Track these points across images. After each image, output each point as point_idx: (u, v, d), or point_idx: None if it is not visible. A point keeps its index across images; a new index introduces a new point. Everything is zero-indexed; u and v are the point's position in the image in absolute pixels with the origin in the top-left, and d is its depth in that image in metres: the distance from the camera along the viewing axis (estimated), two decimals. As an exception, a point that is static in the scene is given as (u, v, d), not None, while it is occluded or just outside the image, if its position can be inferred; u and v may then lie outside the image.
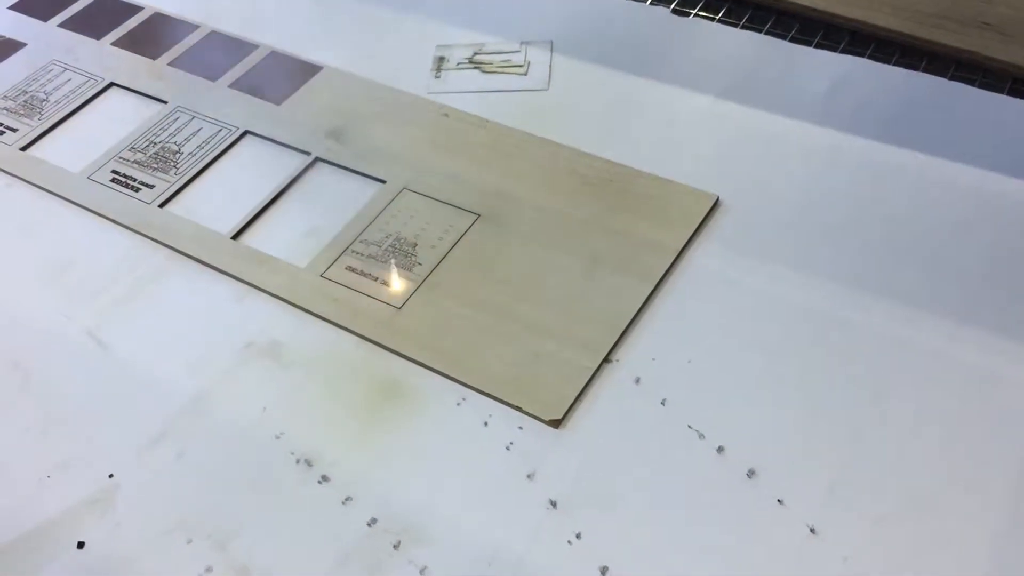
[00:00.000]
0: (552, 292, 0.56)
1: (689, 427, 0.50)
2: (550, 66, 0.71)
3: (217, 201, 0.64)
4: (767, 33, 0.73)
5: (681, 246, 0.58)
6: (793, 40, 0.72)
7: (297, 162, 0.66)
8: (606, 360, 0.53)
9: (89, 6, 0.81)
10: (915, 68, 0.69)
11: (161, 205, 0.64)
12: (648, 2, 0.76)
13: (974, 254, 0.56)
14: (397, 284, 0.57)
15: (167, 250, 0.61)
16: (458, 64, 0.72)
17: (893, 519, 0.45)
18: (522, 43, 0.73)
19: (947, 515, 0.45)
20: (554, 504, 0.47)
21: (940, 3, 0.70)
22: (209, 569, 0.46)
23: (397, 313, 0.56)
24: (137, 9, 0.80)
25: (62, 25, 0.79)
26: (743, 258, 0.57)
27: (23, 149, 0.69)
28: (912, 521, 0.45)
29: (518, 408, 0.51)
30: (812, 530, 0.45)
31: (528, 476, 0.49)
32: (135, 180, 0.65)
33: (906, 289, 0.55)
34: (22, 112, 0.71)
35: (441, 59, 0.73)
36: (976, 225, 0.58)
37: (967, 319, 0.53)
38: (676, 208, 0.60)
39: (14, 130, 0.70)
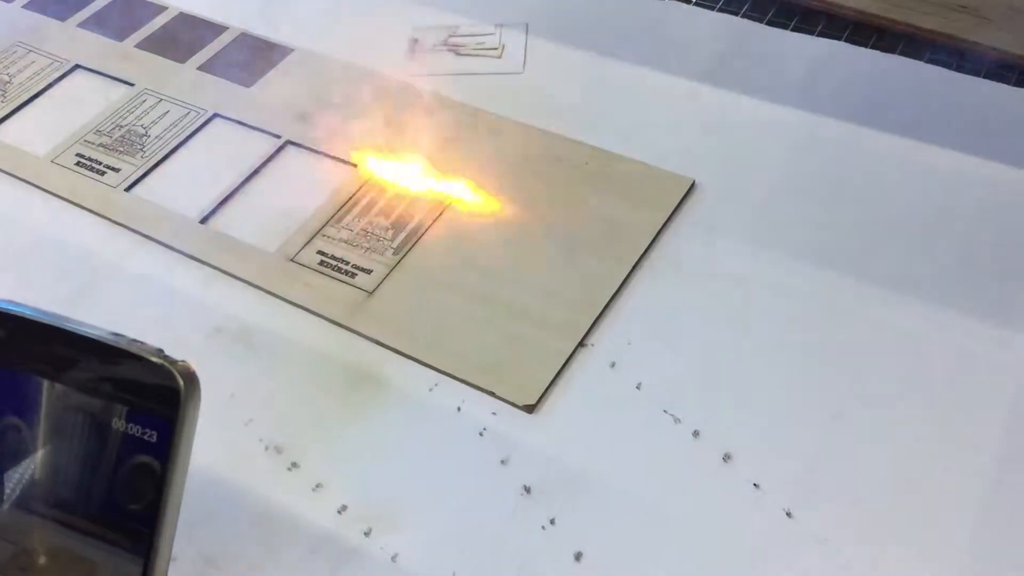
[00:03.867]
0: (526, 276, 0.56)
1: (664, 411, 0.49)
2: (525, 48, 0.71)
3: (185, 185, 0.63)
4: (743, 16, 0.72)
5: (657, 229, 0.57)
6: (769, 23, 0.72)
7: (267, 145, 0.64)
8: (581, 344, 0.52)
9: (54, -13, 0.79)
10: (892, 51, 0.68)
11: (127, 189, 0.62)
12: (624, -15, 0.75)
13: (952, 236, 0.56)
14: (369, 269, 0.56)
15: (134, 234, 0.60)
16: (432, 46, 0.71)
17: (870, 502, 0.45)
18: (497, 25, 0.72)
19: (925, 497, 0.45)
20: (528, 490, 0.47)
21: (917, -14, 0.70)
22: (174, 558, 0.45)
23: (369, 298, 0.55)
24: (104, -10, 0.78)
25: (27, 7, 0.78)
26: (719, 241, 0.57)
27: (-15, 132, 0.67)
28: (890, 503, 0.45)
29: (491, 393, 0.50)
30: (788, 514, 0.45)
31: (502, 462, 0.48)
32: (101, 163, 0.64)
33: (883, 271, 0.54)
34: (-15, 95, 0.70)
35: (415, 41, 0.72)
36: (953, 207, 0.58)
37: (945, 301, 0.53)
38: (652, 191, 0.60)
39: (-24, 113, 0.68)
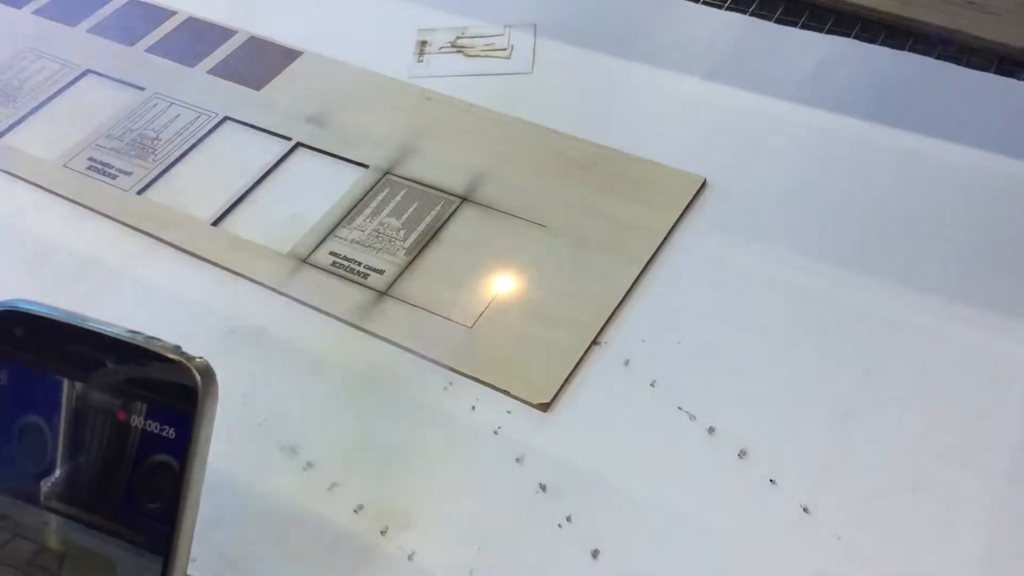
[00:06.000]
0: (538, 275, 0.56)
1: (679, 408, 0.49)
2: (534, 49, 0.71)
3: (197, 188, 0.63)
4: (752, 14, 0.72)
5: (669, 228, 0.57)
6: (778, 21, 0.72)
7: (278, 147, 0.65)
8: (594, 342, 0.52)
9: (64, -7, 0.80)
10: (901, 48, 0.68)
11: (139, 192, 0.63)
12: (632, -16, 0.75)
13: (964, 231, 0.56)
14: (381, 269, 0.56)
15: (146, 237, 0.60)
16: (440, 48, 0.71)
17: (886, 497, 0.45)
18: (505, 26, 0.73)
19: (941, 492, 0.45)
20: (543, 488, 0.47)
21: (925, -18, 0.70)
22: (191, 559, 0.45)
23: (381, 298, 0.55)
24: (113, -4, 0.79)
25: (37, 12, 0.78)
26: (731, 239, 0.57)
27: (-3, 137, 0.67)
28: (906, 499, 0.45)
29: (505, 392, 0.50)
30: (805, 509, 0.45)
31: (517, 460, 0.48)
32: (112, 167, 0.64)
33: (895, 267, 0.54)
34: (-4, 100, 0.70)
35: (423, 43, 0.72)
36: (964, 203, 0.58)
37: (957, 297, 0.53)
38: (663, 190, 0.60)
39: (-12, 118, 0.69)
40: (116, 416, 0.31)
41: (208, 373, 0.31)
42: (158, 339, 0.31)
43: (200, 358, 0.31)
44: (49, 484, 0.31)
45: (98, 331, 0.31)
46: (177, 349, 0.31)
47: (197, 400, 0.30)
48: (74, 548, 0.31)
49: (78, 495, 0.31)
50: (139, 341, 0.31)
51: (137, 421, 0.31)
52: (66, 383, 0.31)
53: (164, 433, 0.30)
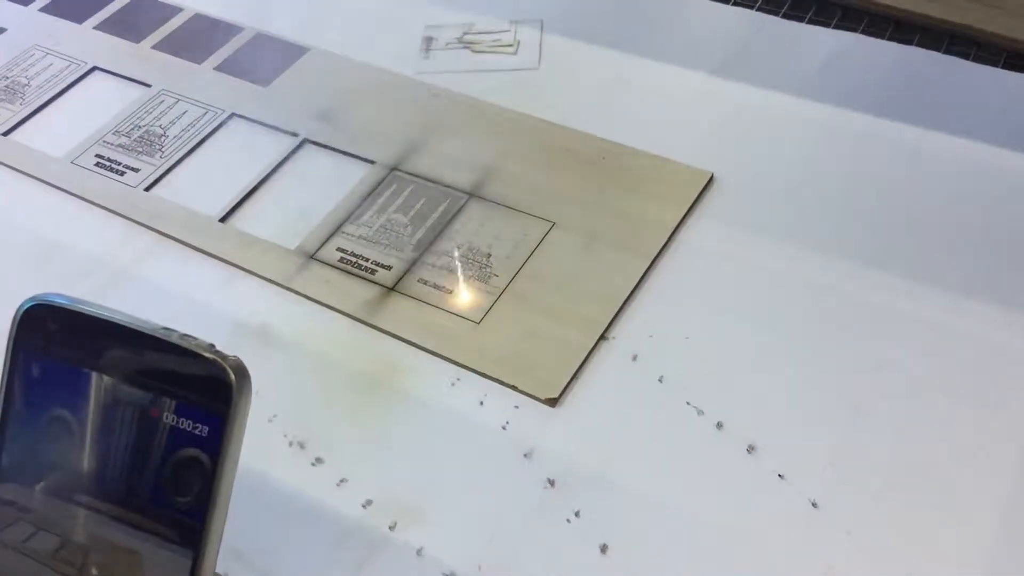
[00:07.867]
0: (546, 270, 0.55)
1: (688, 403, 0.49)
2: (540, 44, 0.71)
3: (204, 184, 0.63)
4: (759, 10, 0.72)
5: (676, 223, 0.57)
6: (785, 16, 0.71)
7: (285, 144, 0.65)
8: (603, 337, 0.52)
9: (70, -10, 0.80)
10: (908, 43, 0.68)
11: (147, 189, 0.63)
12: (638, -20, 0.75)
13: (971, 226, 0.56)
14: (389, 265, 0.57)
15: (154, 234, 0.60)
16: (447, 44, 0.71)
17: (896, 492, 0.45)
18: (512, 22, 0.73)
19: (951, 486, 0.45)
20: (552, 483, 0.47)
21: (933, -23, 0.70)
22: (202, 554, 0.45)
23: (389, 294, 0.55)
24: (119, -8, 0.79)
25: (43, 10, 0.78)
26: (739, 234, 0.57)
27: (5, 134, 0.67)
28: (915, 493, 0.45)
29: (513, 387, 0.50)
30: (814, 504, 0.45)
31: (525, 455, 0.48)
32: (120, 164, 0.64)
33: (904, 261, 0.54)
34: (3, 97, 0.70)
35: (430, 39, 0.72)
36: (972, 197, 0.58)
37: (966, 290, 0.52)
38: (671, 185, 0.60)
39: (-4, 115, 0.69)
40: (148, 412, 0.31)
41: (242, 371, 0.31)
42: (192, 336, 0.31)
43: (234, 356, 0.31)
44: (78, 478, 0.32)
45: (132, 327, 0.31)
46: (211, 347, 0.31)
47: (231, 398, 0.30)
48: (101, 542, 0.31)
49: (109, 490, 0.31)
50: (173, 338, 0.31)
51: (169, 417, 0.31)
52: (98, 378, 0.31)
53: (196, 430, 0.30)
